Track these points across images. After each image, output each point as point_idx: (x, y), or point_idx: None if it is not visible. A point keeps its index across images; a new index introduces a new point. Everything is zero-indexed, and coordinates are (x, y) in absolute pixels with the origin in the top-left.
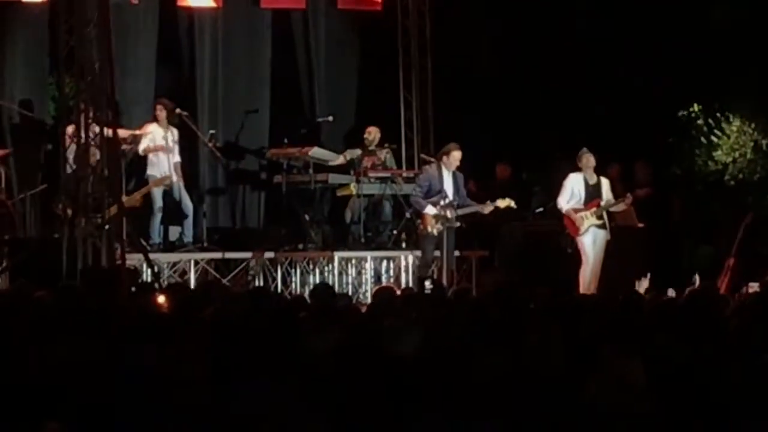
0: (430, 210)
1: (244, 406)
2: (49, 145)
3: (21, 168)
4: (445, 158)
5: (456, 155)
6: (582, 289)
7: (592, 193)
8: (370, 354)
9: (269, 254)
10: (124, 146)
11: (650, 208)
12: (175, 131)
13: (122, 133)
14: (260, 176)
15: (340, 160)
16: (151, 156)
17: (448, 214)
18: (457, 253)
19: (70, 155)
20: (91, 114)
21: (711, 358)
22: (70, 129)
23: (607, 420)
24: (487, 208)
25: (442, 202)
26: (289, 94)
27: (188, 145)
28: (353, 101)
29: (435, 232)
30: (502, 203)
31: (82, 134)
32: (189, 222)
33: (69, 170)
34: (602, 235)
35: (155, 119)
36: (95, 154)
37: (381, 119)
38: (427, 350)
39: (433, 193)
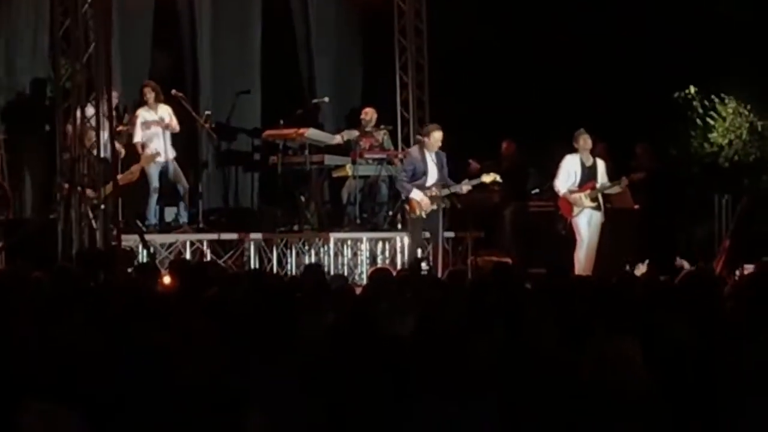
0: (416, 195)
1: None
2: (47, 126)
3: (19, 149)
4: (426, 140)
5: (437, 136)
6: (577, 271)
7: (588, 174)
8: (366, 335)
9: (264, 235)
10: (120, 127)
11: (646, 189)
12: (167, 109)
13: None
14: (256, 157)
15: (336, 140)
16: (144, 140)
17: (436, 192)
18: (452, 234)
19: (67, 137)
20: (86, 95)
21: (707, 339)
22: (65, 110)
23: (604, 398)
24: (466, 187)
25: (427, 184)
26: (286, 75)
27: (184, 127)
28: (351, 82)
29: (423, 214)
30: (488, 178)
31: (78, 115)
32: (185, 202)
33: (65, 151)
34: (597, 217)
35: (144, 102)
36: (91, 136)
37: (378, 100)
38: (422, 331)
39: (419, 175)
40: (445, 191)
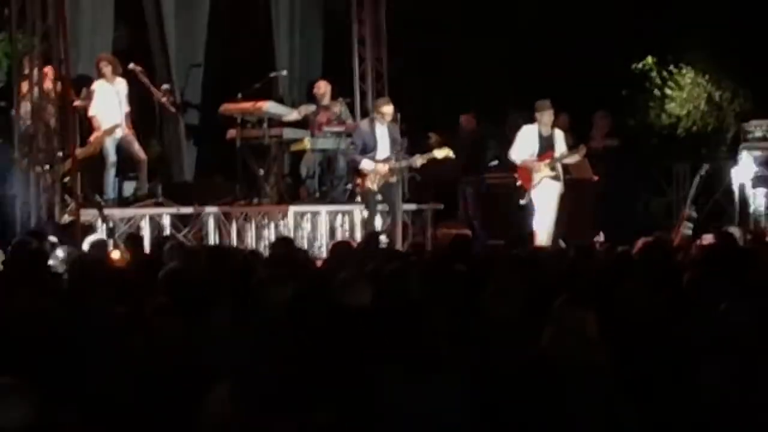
0: (366, 165)
1: (207, 359)
2: (2, 102)
3: None
4: (377, 114)
5: (386, 110)
6: (539, 241)
7: (545, 145)
8: (326, 306)
9: (222, 208)
10: (77, 102)
11: (605, 160)
12: (123, 83)
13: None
14: (214, 131)
15: (294, 115)
16: (102, 113)
17: (388, 166)
18: (413, 206)
19: (23, 111)
20: (44, 70)
21: (666, 309)
22: (23, 86)
23: (561, 370)
24: (419, 161)
25: (378, 158)
26: (245, 47)
27: (143, 101)
28: (312, 56)
29: (375, 187)
30: (440, 153)
31: (35, 91)
32: (143, 176)
33: (22, 126)
34: (556, 187)
35: (101, 76)
36: (50, 111)
37: (338, 73)
38: (381, 303)
39: (369, 149)
40: (396, 164)
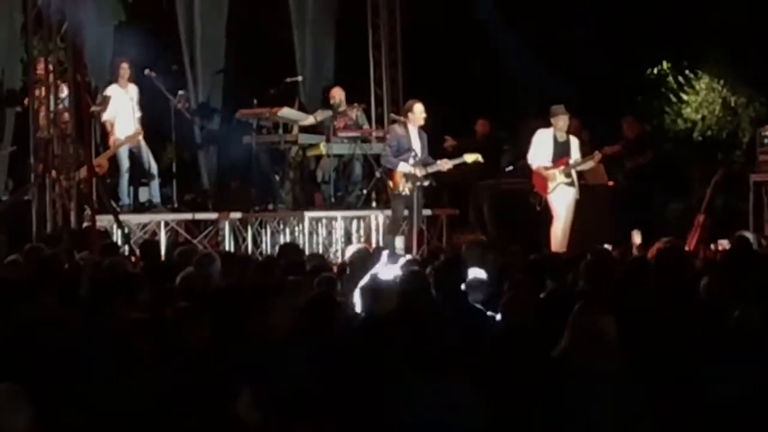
0: (403, 167)
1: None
2: (18, 108)
3: None
4: (410, 115)
5: (418, 108)
6: (553, 247)
7: (561, 151)
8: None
9: (234, 215)
10: (94, 108)
11: (620, 165)
12: (135, 88)
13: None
14: (230, 137)
15: (309, 120)
16: (116, 119)
17: (418, 172)
18: (428, 212)
19: (40, 117)
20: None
21: (681, 315)
22: (39, 91)
23: (579, 375)
24: (446, 166)
25: (411, 161)
26: (261, 54)
27: (158, 106)
28: (326, 62)
29: (406, 191)
30: (470, 158)
31: (51, 96)
32: (155, 183)
33: (39, 132)
34: (571, 193)
35: (117, 79)
36: (65, 117)
37: (352, 79)
38: (401, 309)
39: (402, 151)
40: (427, 170)
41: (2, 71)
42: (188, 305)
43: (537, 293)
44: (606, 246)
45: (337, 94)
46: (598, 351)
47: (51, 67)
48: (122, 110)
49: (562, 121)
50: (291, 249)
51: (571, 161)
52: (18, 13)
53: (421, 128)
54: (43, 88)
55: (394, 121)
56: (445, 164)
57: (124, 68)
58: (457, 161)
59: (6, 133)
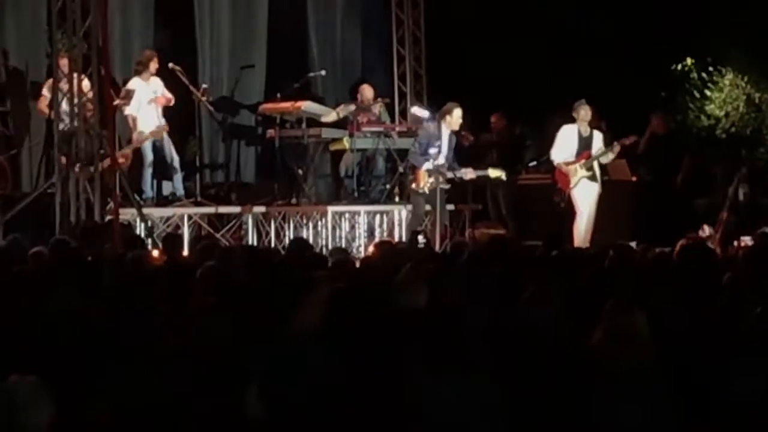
0: (427, 166)
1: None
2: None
3: (18, 123)
4: (448, 117)
5: (457, 113)
6: (576, 243)
7: (584, 145)
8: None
9: (257, 208)
10: (117, 101)
11: (645, 161)
12: (159, 81)
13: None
14: (254, 131)
15: (332, 116)
16: (139, 113)
17: (441, 175)
18: (451, 207)
19: (62, 110)
20: (83, 69)
21: (705, 311)
22: (63, 85)
23: (611, 372)
24: (470, 175)
25: (436, 162)
26: (285, 48)
27: (182, 100)
28: (351, 56)
29: (426, 189)
30: (494, 173)
31: (75, 89)
32: (179, 176)
33: (62, 125)
34: (594, 188)
35: (140, 72)
36: (89, 110)
37: (377, 74)
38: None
39: (431, 152)
40: (450, 174)
41: (26, 65)
42: (210, 300)
43: (560, 289)
44: (629, 243)
45: (368, 92)
46: (632, 348)
47: (75, 61)
48: (145, 104)
49: (583, 110)
50: (300, 243)
51: (593, 153)
52: (43, 8)
53: (453, 132)
54: (66, 82)
55: (417, 118)
56: (468, 173)
57: (155, 61)
58: (480, 173)
59: (33, 126)
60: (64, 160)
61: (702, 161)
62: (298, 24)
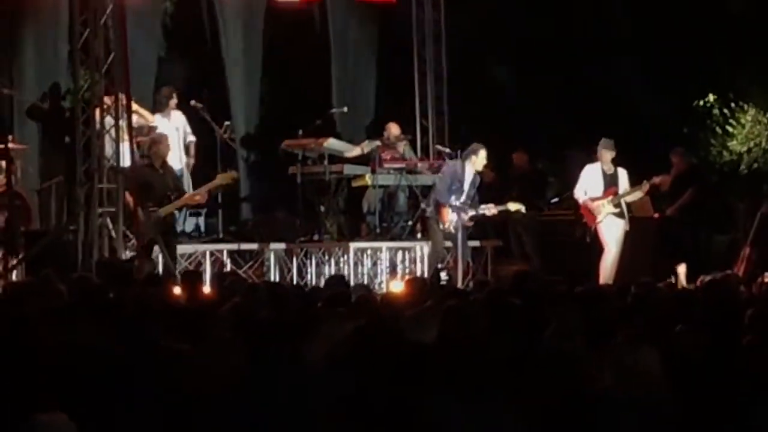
0: (452, 201)
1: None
2: (67, 137)
3: (44, 160)
4: (473, 157)
5: (483, 154)
6: (603, 278)
7: (609, 182)
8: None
9: (279, 245)
10: (139, 138)
11: (669, 198)
12: (180, 115)
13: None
14: (275, 167)
15: (356, 151)
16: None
17: (464, 214)
18: (474, 243)
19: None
20: (105, 105)
21: (727, 348)
22: (85, 120)
23: (623, 408)
24: (492, 211)
25: (456, 202)
26: (305, 85)
27: (203, 137)
28: (371, 93)
29: (452, 228)
30: (513, 207)
31: (97, 125)
32: (201, 213)
33: (85, 162)
34: (621, 224)
35: (161, 109)
36: (111, 147)
37: (398, 111)
38: (444, 339)
39: (453, 190)
40: (472, 212)
41: (48, 100)
42: (227, 336)
43: (582, 324)
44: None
45: (393, 129)
46: (644, 384)
47: (98, 98)
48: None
49: (608, 155)
50: (336, 280)
51: (620, 191)
52: (63, 42)
53: (477, 172)
54: (90, 118)
55: (439, 153)
56: (490, 209)
57: (172, 97)
58: (501, 208)
59: (53, 163)
60: (86, 197)
61: (718, 196)
62: (319, 60)
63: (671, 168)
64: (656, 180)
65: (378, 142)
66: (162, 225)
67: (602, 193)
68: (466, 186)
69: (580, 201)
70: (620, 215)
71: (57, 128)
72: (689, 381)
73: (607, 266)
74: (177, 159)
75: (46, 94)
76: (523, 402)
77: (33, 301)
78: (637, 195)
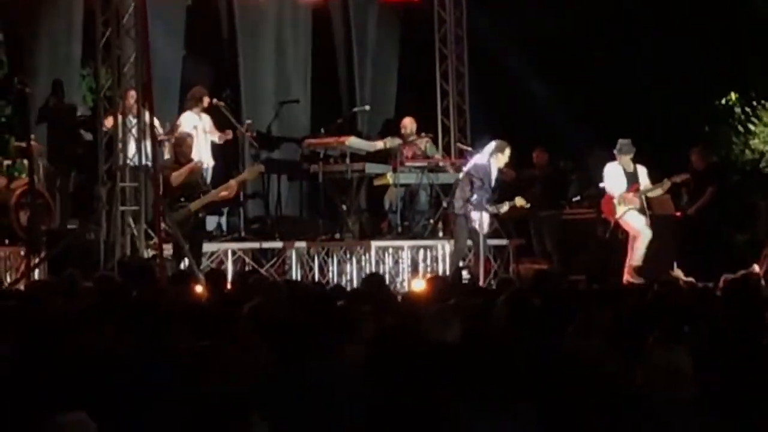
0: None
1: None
2: (89, 136)
3: (59, 159)
4: (499, 155)
5: (507, 152)
6: (636, 260)
7: (631, 179)
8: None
9: (301, 244)
10: (162, 136)
11: (688, 196)
12: (207, 117)
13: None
14: (298, 166)
15: (378, 146)
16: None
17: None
18: (495, 242)
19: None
20: (127, 104)
21: (749, 347)
22: (108, 120)
23: (656, 407)
24: (503, 209)
25: (490, 203)
26: (327, 84)
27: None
28: (392, 91)
29: (476, 226)
30: (519, 202)
31: (119, 125)
32: (223, 211)
33: (107, 161)
34: (643, 219)
35: (190, 107)
36: (133, 146)
37: (418, 109)
38: (466, 339)
39: (485, 188)
40: (492, 210)
41: (67, 100)
42: (250, 336)
43: (603, 323)
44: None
45: (409, 124)
46: (675, 384)
47: (120, 97)
48: (195, 139)
49: (625, 158)
50: (375, 280)
51: (642, 187)
52: (77, 43)
53: (498, 169)
54: (112, 117)
55: (461, 151)
56: (504, 206)
57: (202, 97)
58: (510, 204)
59: (73, 161)
60: (108, 195)
61: (740, 195)
62: (339, 59)
63: (688, 164)
64: (677, 178)
65: (399, 140)
66: (193, 220)
67: (626, 190)
68: (492, 183)
69: (614, 195)
70: (641, 211)
71: (62, 126)
72: (712, 379)
73: (641, 248)
74: (204, 159)
75: (51, 93)
76: (550, 404)
77: (56, 300)
78: (657, 192)
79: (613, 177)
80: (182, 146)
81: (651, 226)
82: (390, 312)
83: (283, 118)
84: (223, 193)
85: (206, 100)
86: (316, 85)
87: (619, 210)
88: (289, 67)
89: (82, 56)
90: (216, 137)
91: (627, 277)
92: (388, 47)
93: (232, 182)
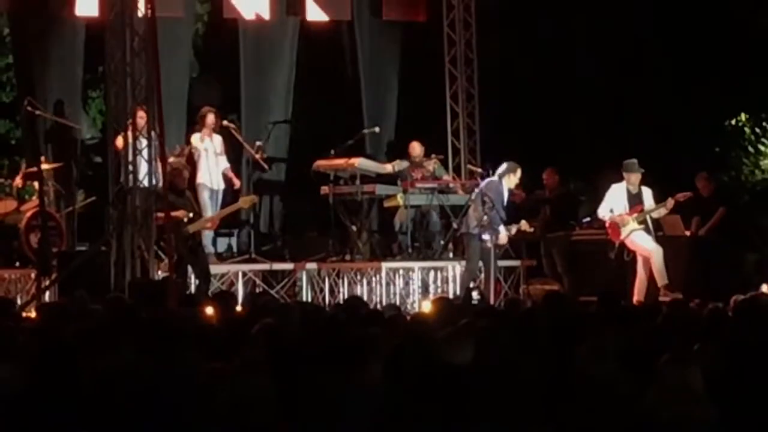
0: (503, 230)
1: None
2: (98, 158)
3: (66, 182)
4: (511, 176)
5: (518, 173)
6: (635, 295)
7: (634, 201)
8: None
9: (311, 265)
10: (172, 158)
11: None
12: (219, 138)
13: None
14: (307, 188)
15: (387, 169)
16: (201, 164)
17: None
18: (506, 263)
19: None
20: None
21: (760, 366)
22: (118, 142)
23: (668, 427)
24: (512, 231)
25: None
26: (335, 105)
27: (234, 157)
28: (392, 112)
29: (495, 250)
30: (524, 226)
31: (130, 147)
32: (235, 233)
33: (117, 183)
34: (650, 238)
35: (201, 127)
36: (143, 167)
37: (426, 130)
38: (479, 359)
39: (497, 209)
40: (505, 232)
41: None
42: (256, 357)
43: (615, 344)
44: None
45: (417, 148)
46: (687, 404)
47: (130, 119)
48: (204, 160)
49: (633, 177)
50: (355, 302)
51: (645, 207)
52: (80, 67)
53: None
54: (122, 139)
55: (471, 173)
56: (513, 229)
57: (211, 118)
58: (516, 227)
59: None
60: (118, 217)
61: (750, 215)
62: (347, 80)
63: (695, 191)
64: (680, 197)
65: (407, 162)
66: (191, 241)
67: (628, 212)
68: (504, 204)
69: (606, 219)
70: (647, 231)
71: (68, 148)
72: (724, 399)
73: (658, 264)
74: (215, 181)
75: (54, 113)
76: (563, 426)
77: (68, 323)
78: (662, 212)
79: (610, 198)
80: (177, 177)
81: (662, 247)
82: (400, 333)
83: (291, 140)
84: (207, 225)
85: (211, 117)
86: (323, 107)
87: (624, 231)
88: (293, 88)
89: (89, 78)
90: (226, 164)
91: (663, 297)
92: (390, 67)
93: (223, 214)
